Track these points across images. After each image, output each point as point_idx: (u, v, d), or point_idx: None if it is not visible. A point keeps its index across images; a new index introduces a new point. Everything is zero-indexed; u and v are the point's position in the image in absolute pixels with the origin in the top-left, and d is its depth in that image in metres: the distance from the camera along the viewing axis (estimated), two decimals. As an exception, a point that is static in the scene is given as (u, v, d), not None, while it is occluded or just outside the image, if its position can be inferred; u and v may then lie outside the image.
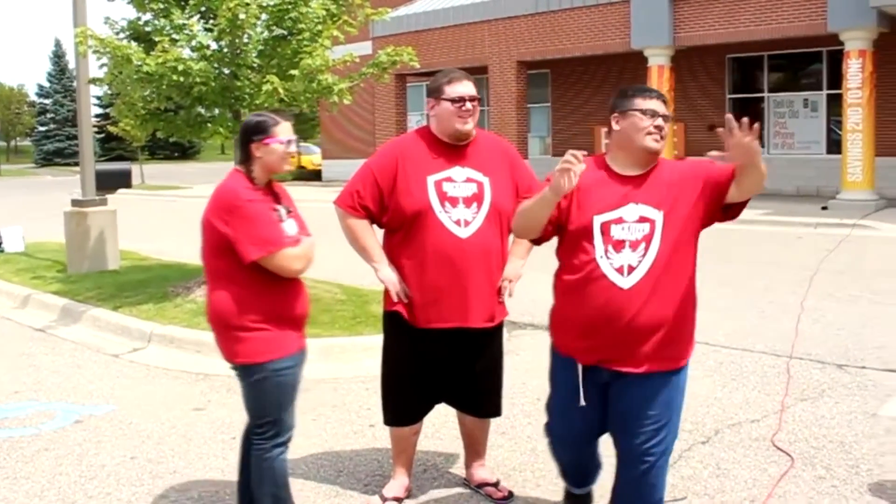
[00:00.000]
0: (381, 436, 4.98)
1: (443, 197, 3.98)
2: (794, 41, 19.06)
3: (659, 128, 3.47)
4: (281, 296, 3.67)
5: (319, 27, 8.94)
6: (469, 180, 4.04)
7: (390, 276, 4.07)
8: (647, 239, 3.41)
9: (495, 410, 4.36)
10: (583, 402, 3.56)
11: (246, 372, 3.70)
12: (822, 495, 4.37)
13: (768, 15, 18.20)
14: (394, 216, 4.05)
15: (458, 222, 3.98)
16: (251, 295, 3.61)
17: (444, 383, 4.21)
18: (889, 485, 4.47)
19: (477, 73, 22.37)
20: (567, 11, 21.25)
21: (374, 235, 4.17)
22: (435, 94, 4.06)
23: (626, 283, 3.39)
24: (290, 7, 8.78)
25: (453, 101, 4.00)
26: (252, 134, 3.66)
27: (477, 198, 4.02)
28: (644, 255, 3.41)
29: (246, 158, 3.69)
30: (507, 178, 4.13)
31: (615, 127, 3.53)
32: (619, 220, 3.43)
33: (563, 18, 21.31)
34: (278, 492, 3.79)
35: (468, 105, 4.01)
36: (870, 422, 5.41)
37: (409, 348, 4.12)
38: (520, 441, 5.07)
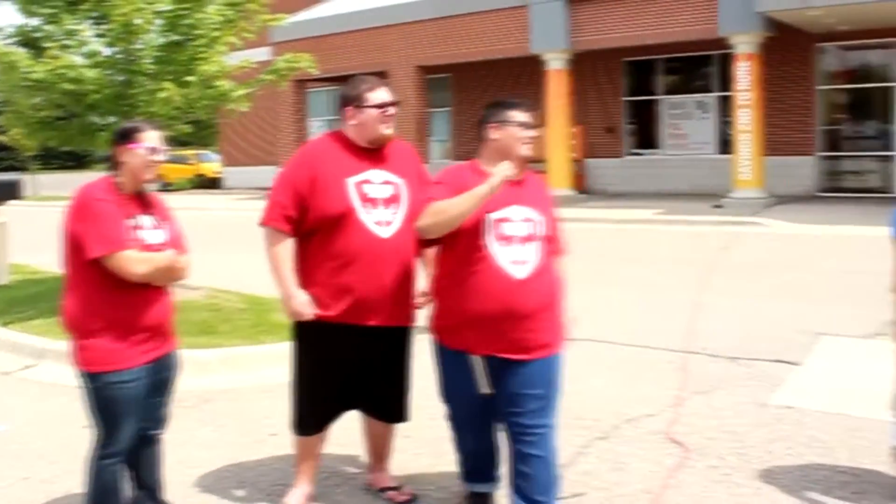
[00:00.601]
0: (283, 445, 4.94)
1: (363, 198, 4.02)
2: (687, 45, 19.59)
3: (532, 137, 3.90)
4: (130, 304, 3.65)
5: (216, 33, 8.83)
6: (386, 182, 4.09)
7: (305, 309, 4.03)
8: (532, 236, 3.82)
9: (405, 415, 4.39)
10: (486, 390, 3.87)
11: (83, 379, 3.71)
12: (714, 483, 4.52)
13: (663, 20, 18.67)
14: (314, 220, 4.03)
15: (378, 223, 4.02)
16: (99, 300, 3.61)
17: (358, 388, 4.20)
18: (778, 470, 4.65)
19: (378, 77, 22.37)
20: (467, 16, 21.43)
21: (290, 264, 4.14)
22: (356, 101, 4.08)
23: (519, 275, 3.75)
24: (185, 13, 8.65)
25: (378, 107, 4.06)
26: (118, 138, 3.74)
27: (395, 199, 4.08)
28: (530, 251, 3.80)
29: (113, 163, 3.75)
30: (417, 181, 4.21)
31: (493, 136, 3.90)
32: (507, 220, 3.80)
33: (464, 23, 21.47)
34: (99, 500, 3.78)
35: (391, 110, 4.10)
36: (760, 411, 5.62)
37: (323, 353, 4.10)
38: (423, 444, 5.10)
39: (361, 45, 23.34)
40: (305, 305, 4.02)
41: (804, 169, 19.95)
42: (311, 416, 4.22)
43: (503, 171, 3.67)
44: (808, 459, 4.83)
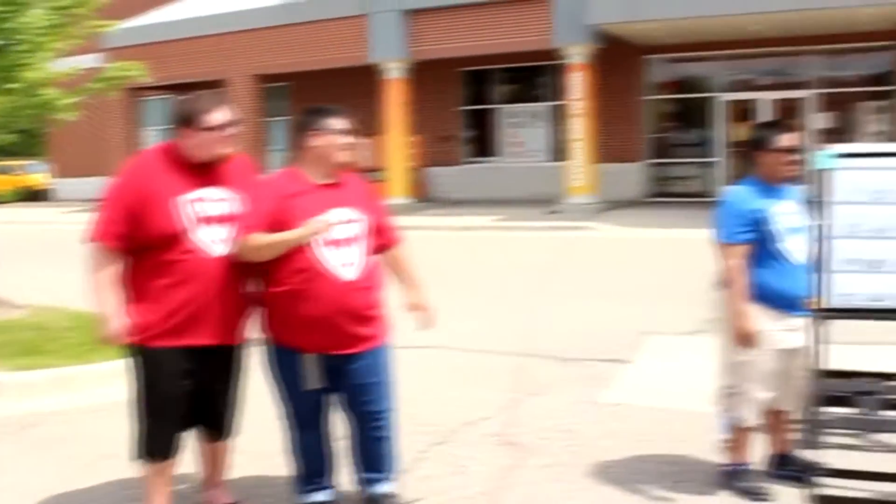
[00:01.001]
0: (119, 467, 4.79)
1: (197, 217, 3.91)
2: (522, 56, 20.12)
3: (350, 144, 4.04)
4: None
5: (41, 38, 8.45)
6: (221, 200, 4.00)
7: (119, 334, 3.91)
8: (357, 237, 4.00)
9: (232, 431, 4.34)
10: (317, 385, 4.04)
11: None
12: (549, 481, 4.68)
13: (499, 31, 19.09)
14: (144, 237, 3.89)
15: (213, 242, 3.93)
16: None
17: (195, 407, 4.12)
18: (608, 464, 4.86)
19: (215, 86, 21.93)
20: (306, 25, 21.28)
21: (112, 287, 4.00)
22: (192, 123, 3.93)
23: (347, 276, 3.92)
24: (7, 16, 8.24)
25: (215, 128, 3.92)
26: None
27: (230, 217, 3.99)
28: (357, 251, 3.98)
29: None
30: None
31: (312, 144, 4.02)
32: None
33: (303, 32, 21.31)
34: None
35: (230, 130, 3.98)
36: (592, 409, 5.85)
37: (157, 375, 3.97)
38: (258, 458, 5.03)
39: (198, 53, 22.80)
40: (121, 330, 3.90)
41: (634, 175, 20.84)
42: (155, 441, 4.09)
43: (316, 227, 3.84)
44: (637, 452, 5.06)
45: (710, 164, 20.35)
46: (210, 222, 3.95)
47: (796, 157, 4.43)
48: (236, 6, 22.30)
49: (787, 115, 19.71)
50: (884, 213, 4.19)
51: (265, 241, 3.87)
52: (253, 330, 4.19)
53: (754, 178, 4.46)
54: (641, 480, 4.65)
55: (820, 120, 19.51)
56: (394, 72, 20.30)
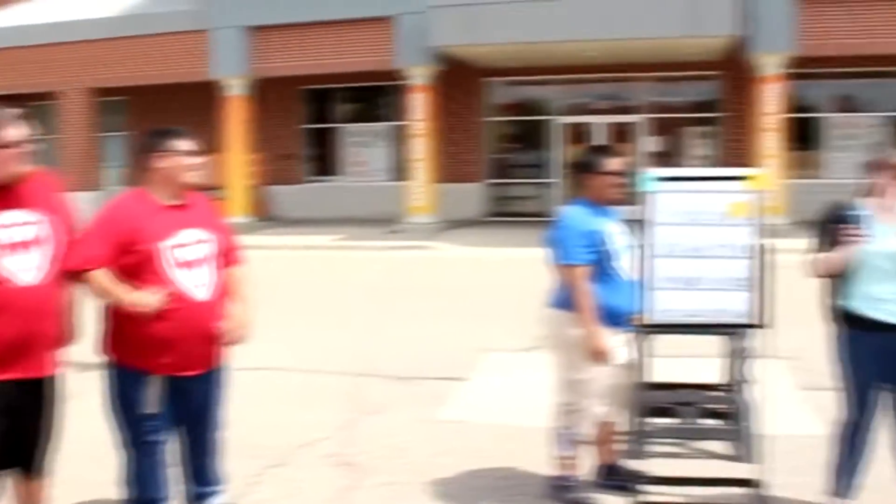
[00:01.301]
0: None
1: (1, 244, 3.63)
2: (365, 75, 20.15)
3: (197, 164, 4.03)
4: None
5: None
6: (27, 223, 3.71)
7: None
8: (208, 258, 3.99)
9: (49, 465, 4.11)
10: (155, 410, 3.96)
11: None
12: (386, 500, 4.69)
13: (341, 50, 19.05)
14: None
15: (22, 270, 3.65)
16: None
17: (10, 446, 3.83)
18: (445, 481, 4.92)
19: (45, 98, 21.01)
20: (145, 38, 20.60)
21: None
22: None
23: (200, 296, 3.91)
24: None
25: (10, 145, 3.63)
26: None
27: (37, 241, 3.72)
28: (207, 271, 3.97)
29: None
30: (62, 219, 3.88)
31: (158, 165, 3.97)
32: (182, 245, 3.92)
33: (142, 45, 20.63)
34: None
35: (27, 146, 3.69)
36: (429, 427, 5.90)
37: None
38: (84, 488, 4.81)
39: (27, 64, 21.70)
40: None
41: (473, 195, 21.19)
42: None
43: (148, 302, 3.75)
44: (472, 468, 5.14)
45: (547, 185, 20.92)
46: (16, 249, 3.66)
47: (621, 180, 4.63)
48: (70, 16, 21.39)
49: (620, 139, 20.59)
50: (698, 234, 4.43)
51: (105, 287, 3.81)
52: (89, 354, 4.02)
53: (584, 199, 4.63)
54: (475, 496, 4.73)
55: (650, 143, 20.42)
56: (235, 89, 19.96)
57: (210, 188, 4.04)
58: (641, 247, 4.53)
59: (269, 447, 5.48)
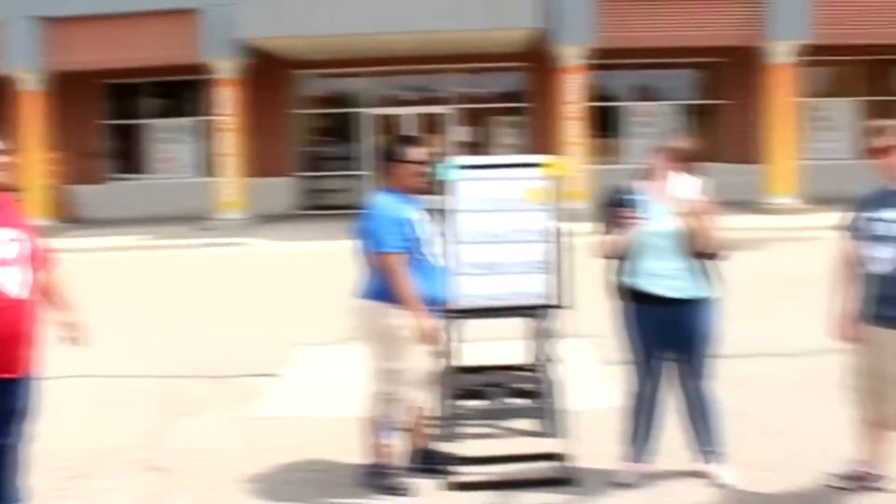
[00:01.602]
0: None
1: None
2: (170, 69, 19.48)
3: (5, 164, 3.96)
4: None
5: None
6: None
7: None
8: (20, 258, 3.87)
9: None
10: None
11: None
12: (197, 502, 4.59)
13: (143, 43, 18.26)
14: None
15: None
16: None
17: None
18: (258, 478, 4.88)
19: None
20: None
21: None
22: None
23: (17, 294, 3.81)
24: None
25: None
26: None
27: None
28: (22, 271, 3.86)
29: None
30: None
31: None
32: None
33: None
34: None
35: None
36: (241, 425, 5.82)
37: None
38: None
39: None
40: None
41: (285, 189, 20.94)
42: None
43: None
44: (286, 463, 5.12)
45: (358, 177, 20.95)
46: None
47: (425, 169, 4.70)
48: None
49: (430, 130, 20.89)
50: (498, 220, 4.58)
51: None
52: None
53: (390, 188, 4.67)
54: (291, 490, 4.72)
55: (460, 133, 20.81)
56: (30, 83, 18.89)
57: (12, 189, 3.90)
58: (445, 234, 4.64)
59: (75, 458, 5.26)
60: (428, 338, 4.53)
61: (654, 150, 4.55)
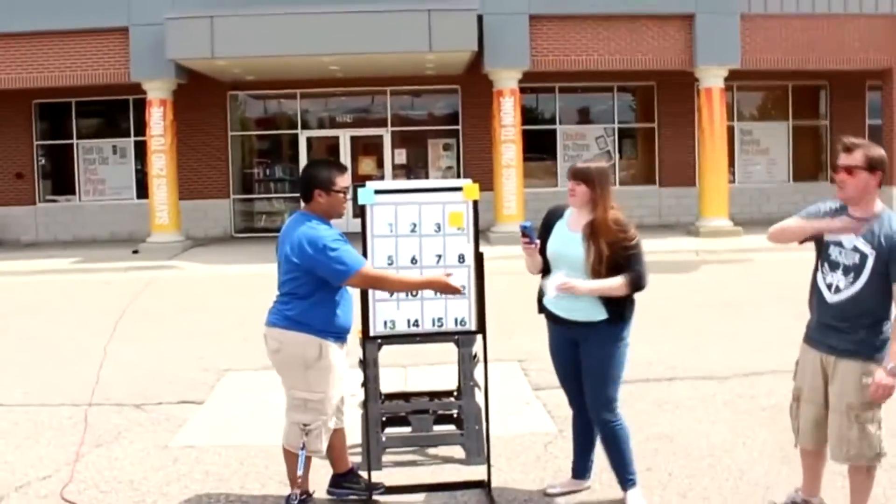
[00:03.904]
0: None
1: None
2: (101, 88, 19.17)
3: None
4: None
5: None
6: None
7: None
8: None
9: None
10: None
11: None
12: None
13: (72, 62, 18.03)
14: None
15: None
16: None
17: None
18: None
19: None
20: None
21: None
22: None
23: None
24: None
25: None
26: None
27: None
28: None
29: None
30: None
31: None
32: None
33: None
34: None
35: None
36: (160, 454, 5.66)
37: None
38: None
39: None
40: None
41: (220, 211, 20.68)
42: None
43: None
44: (205, 492, 4.98)
45: (295, 199, 20.79)
46: None
47: (348, 194, 4.60)
48: None
49: (366, 152, 20.87)
50: (415, 245, 4.52)
51: None
52: None
53: (311, 214, 4.49)
54: (206, 523, 4.58)
55: (396, 156, 20.81)
56: (-49, 104, 18.45)
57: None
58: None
59: (-18, 494, 5.07)
60: (449, 289, 4.39)
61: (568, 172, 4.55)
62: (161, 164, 17.92)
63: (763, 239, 4.72)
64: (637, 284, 4.34)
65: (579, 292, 4.29)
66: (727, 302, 10.76)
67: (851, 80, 20.35)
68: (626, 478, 4.61)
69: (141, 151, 19.95)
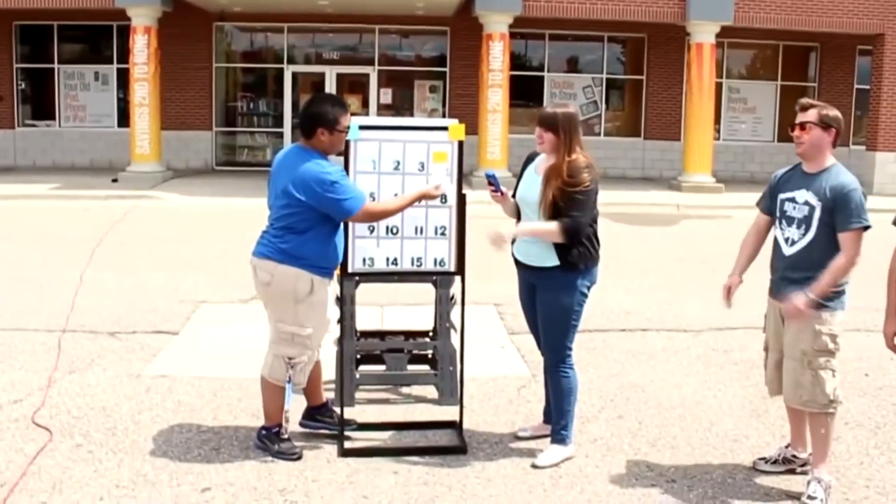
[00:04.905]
0: None
1: None
2: (85, 13, 18.84)
3: None
4: None
5: None
6: None
7: None
8: None
9: None
10: None
11: None
12: (77, 462, 4.44)
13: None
14: None
15: None
16: None
17: None
18: (142, 439, 4.72)
19: None
20: None
21: None
22: None
23: None
24: None
25: None
26: None
27: None
28: None
29: None
30: None
31: None
32: None
33: None
34: None
35: None
36: (133, 383, 5.65)
37: None
38: None
39: None
40: None
41: (202, 143, 20.49)
42: None
43: None
44: (176, 423, 4.98)
45: (278, 135, 20.63)
46: None
47: (347, 133, 4.49)
48: None
49: (352, 90, 20.64)
50: (398, 183, 4.48)
51: None
52: None
53: (312, 150, 4.40)
54: (176, 451, 4.58)
55: (381, 95, 20.62)
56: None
57: None
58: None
59: (-50, 413, 5.05)
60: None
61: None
62: (143, 93, 17.65)
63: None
64: (570, 232, 4.24)
65: (509, 237, 4.32)
66: (705, 257, 10.80)
67: (842, 44, 20.30)
68: (556, 429, 4.57)
69: (123, 79, 19.68)
